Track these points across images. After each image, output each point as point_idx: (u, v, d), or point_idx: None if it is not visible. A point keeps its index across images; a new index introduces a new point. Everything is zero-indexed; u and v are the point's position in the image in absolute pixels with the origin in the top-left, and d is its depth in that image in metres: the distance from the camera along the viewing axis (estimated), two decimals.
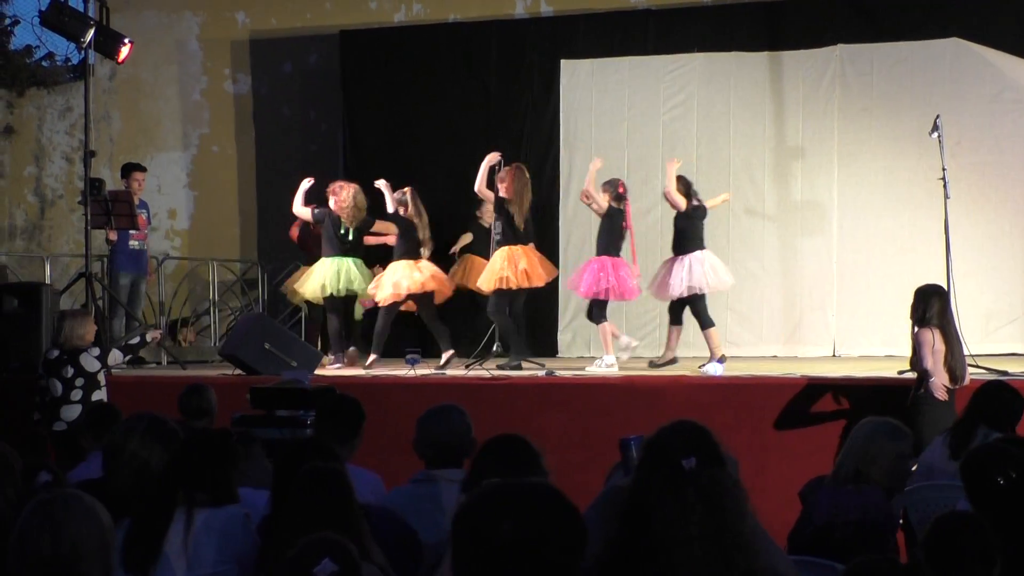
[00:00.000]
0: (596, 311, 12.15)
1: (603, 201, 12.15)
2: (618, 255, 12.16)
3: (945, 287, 10.47)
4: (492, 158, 12.30)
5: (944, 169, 10.98)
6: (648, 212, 14.95)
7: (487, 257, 13.04)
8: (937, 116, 11.16)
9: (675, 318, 12.24)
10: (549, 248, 15.20)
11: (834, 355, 14.10)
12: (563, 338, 15.17)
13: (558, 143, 15.55)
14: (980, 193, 13.78)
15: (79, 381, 10.16)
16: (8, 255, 17.05)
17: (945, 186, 11.02)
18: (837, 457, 6.11)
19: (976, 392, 7.51)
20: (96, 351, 10.27)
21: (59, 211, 18.83)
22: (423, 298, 12.66)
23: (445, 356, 12.38)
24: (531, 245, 12.40)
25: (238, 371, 11.64)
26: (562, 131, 15.55)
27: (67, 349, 10.27)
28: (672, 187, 11.92)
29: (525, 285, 12.15)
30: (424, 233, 12.68)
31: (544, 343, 14.63)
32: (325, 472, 4.79)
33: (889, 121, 14.32)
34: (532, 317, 14.45)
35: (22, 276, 15.64)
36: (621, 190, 12.22)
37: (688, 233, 11.94)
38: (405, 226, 12.67)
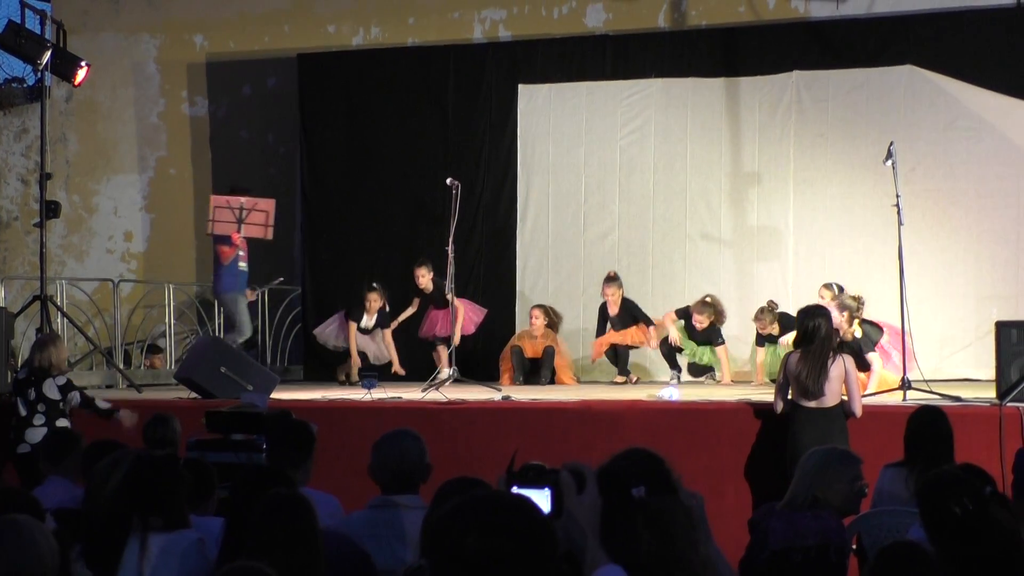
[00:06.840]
0: None
1: None
2: None
3: (899, 312, 10.57)
4: None
5: (898, 196, 11.02)
6: (605, 236, 15.01)
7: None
8: (891, 143, 11.20)
9: None
10: (506, 271, 15.26)
11: None
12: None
13: (516, 167, 15.57)
14: (934, 220, 13.89)
15: (41, 407, 10.12)
16: None
17: (899, 213, 11.06)
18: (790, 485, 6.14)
19: (910, 423, 7.56)
20: (62, 380, 10.19)
21: (14, 233, 18.73)
22: None
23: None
24: None
25: (194, 394, 11.59)
26: (520, 155, 15.57)
27: (36, 371, 10.20)
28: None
29: None
30: None
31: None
32: (289, 499, 4.68)
33: (845, 147, 14.40)
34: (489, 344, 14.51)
35: None
36: None
37: None
38: None
